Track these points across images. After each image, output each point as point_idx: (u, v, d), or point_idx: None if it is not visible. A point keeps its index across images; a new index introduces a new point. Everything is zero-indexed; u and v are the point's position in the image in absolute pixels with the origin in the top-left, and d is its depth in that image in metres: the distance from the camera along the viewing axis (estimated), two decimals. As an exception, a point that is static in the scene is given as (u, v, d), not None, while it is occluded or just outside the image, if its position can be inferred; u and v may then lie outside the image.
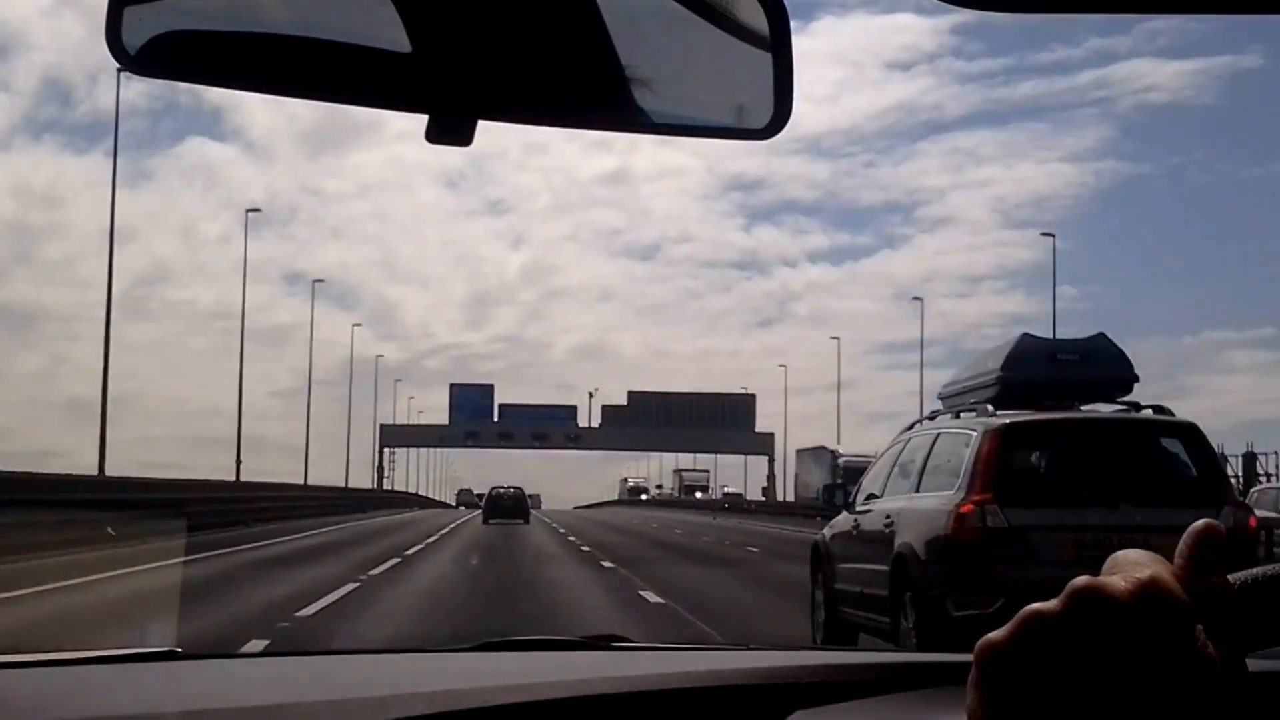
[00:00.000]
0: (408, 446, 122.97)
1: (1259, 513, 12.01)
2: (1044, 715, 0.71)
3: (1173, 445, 9.66)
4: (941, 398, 12.19)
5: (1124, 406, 10.36)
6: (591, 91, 1.23)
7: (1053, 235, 65.66)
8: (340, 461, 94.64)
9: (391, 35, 1.17)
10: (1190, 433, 9.64)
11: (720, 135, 1.31)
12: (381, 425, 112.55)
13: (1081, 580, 0.72)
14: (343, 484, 79.73)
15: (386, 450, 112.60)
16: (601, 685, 1.85)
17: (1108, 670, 0.70)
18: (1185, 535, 0.76)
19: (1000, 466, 9.07)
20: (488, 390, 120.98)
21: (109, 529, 23.84)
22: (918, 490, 9.95)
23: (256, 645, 10.47)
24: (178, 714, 1.77)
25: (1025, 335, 11.64)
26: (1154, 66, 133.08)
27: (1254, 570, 0.76)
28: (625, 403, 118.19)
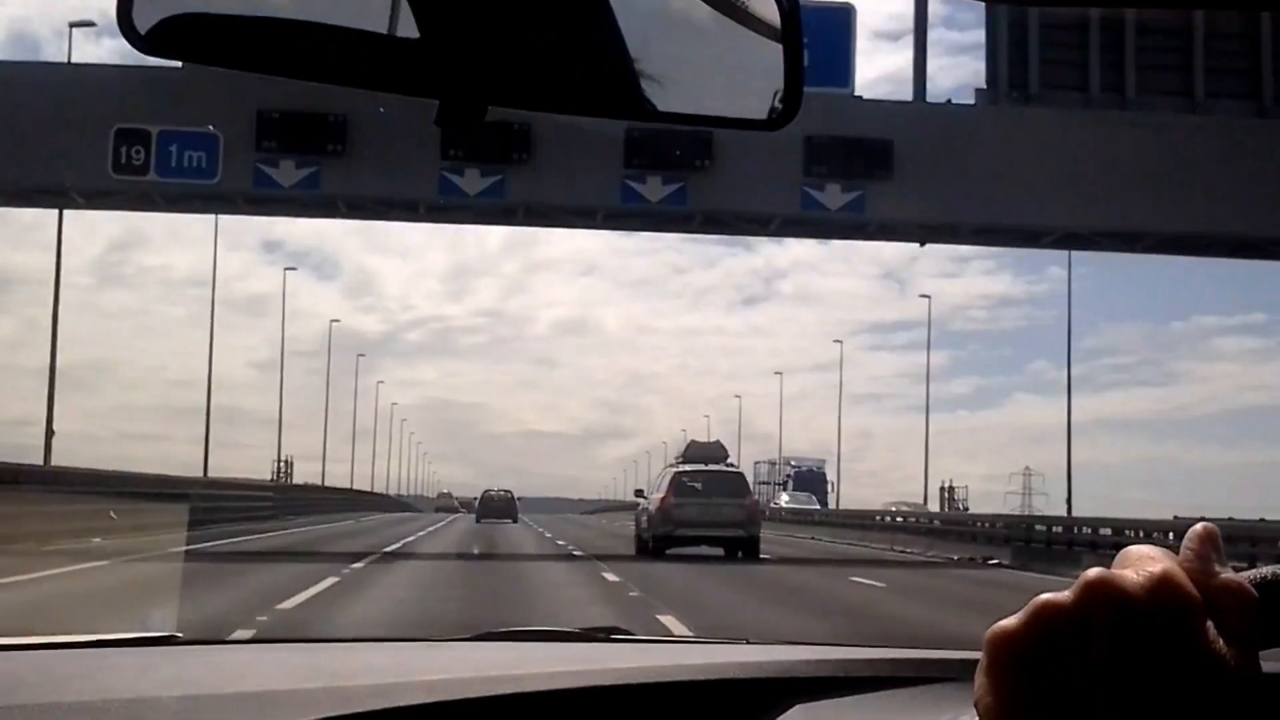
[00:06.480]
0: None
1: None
2: (1053, 703, 0.71)
3: (734, 477, 31.13)
4: (675, 458, 32.78)
5: (725, 465, 31.66)
6: (601, 79, 1.23)
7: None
8: (320, 434, 77.85)
9: (403, 21, 1.18)
10: (739, 472, 32.49)
11: (729, 125, 1.31)
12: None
13: (1094, 572, 0.72)
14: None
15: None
16: (600, 677, 1.85)
17: (1118, 662, 0.70)
18: (1189, 535, 0.75)
19: (675, 483, 29.67)
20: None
21: (110, 513, 23.95)
22: (657, 491, 30.19)
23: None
24: (177, 698, 1.77)
25: (692, 441, 33.69)
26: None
27: (1267, 569, 0.76)
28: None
